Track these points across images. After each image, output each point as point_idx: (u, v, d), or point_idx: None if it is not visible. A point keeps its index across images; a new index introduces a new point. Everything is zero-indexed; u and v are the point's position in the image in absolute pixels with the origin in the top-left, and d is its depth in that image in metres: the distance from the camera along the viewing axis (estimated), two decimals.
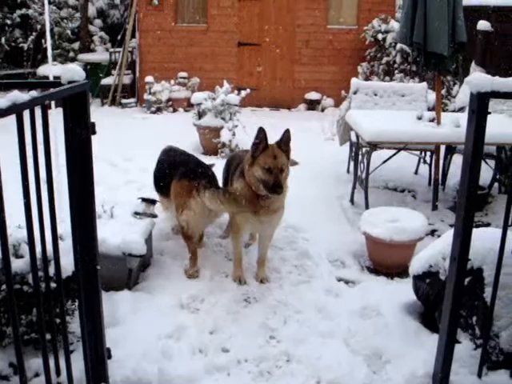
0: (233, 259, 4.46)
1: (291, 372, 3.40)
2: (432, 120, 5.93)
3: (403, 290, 4.19)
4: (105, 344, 3.07)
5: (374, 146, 5.90)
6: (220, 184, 4.68)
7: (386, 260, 4.78)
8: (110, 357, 3.25)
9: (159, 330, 3.72)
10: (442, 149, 6.53)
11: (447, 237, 3.88)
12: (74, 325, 3.37)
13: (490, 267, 3.33)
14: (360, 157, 6.37)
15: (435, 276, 3.71)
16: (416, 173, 7.45)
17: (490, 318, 3.13)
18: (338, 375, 3.35)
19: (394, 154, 6.47)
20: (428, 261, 3.77)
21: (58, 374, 2.93)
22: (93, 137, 2.69)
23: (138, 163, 7.60)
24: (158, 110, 11.57)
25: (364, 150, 6.27)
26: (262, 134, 3.96)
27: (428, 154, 6.92)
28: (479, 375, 3.22)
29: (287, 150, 4.04)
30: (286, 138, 4.04)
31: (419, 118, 6.03)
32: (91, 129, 2.72)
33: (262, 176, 3.96)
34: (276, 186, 3.91)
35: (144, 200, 4.83)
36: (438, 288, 3.60)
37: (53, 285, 2.78)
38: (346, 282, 4.60)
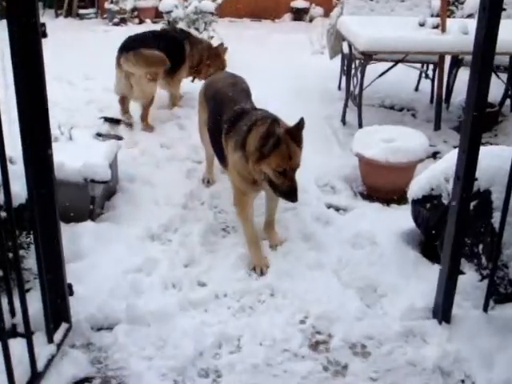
0: (246, 242, 3.91)
1: (276, 306, 3.41)
2: (436, 27, 5.76)
3: (401, 218, 4.19)
4: (65, 280, 3.04)
5: (369, 56, 5.76)
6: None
7: (381, 184, 4.75)
8: (71, 293, 3.23)
9: (127, 264, 3.69)
10: (447, 61, 6.40)
11: (451, 156, 3.84)
12: (30, 260, 3.30)
13: (498, 189, 3.30)
14: (353, 70, 6.24)
15: (437, 200, 3.68)
16: (416, 89, 7.36)
17: (498, 246, 3.11)
18: (327, 309, 3.36)
19: (392, 67, 6.33)
20: (429, 182, 3.73)
21: (13, 314, 2.89)
22: (47, 54, 2.54)
23: (99, 82, 7.38)
24: (122, 21, 11.21)
25: (357, 62, 6.14)
26: (272, 127, 3.50)
27: (431, 67, 6.80)
28: (485, 309, 3.25)
29: (300, 140, 3.65)
30: (301, 127, 3.64)
31: (421, 25, 5.86)
32: (40, 30, 2.56)
33: (273, 178, 3.56)
34: (292, 193, 3.56)
35: (107, 120, 4.74)
36: (440, 213, 3.58)
37: (3, 214, 2.71)
38: (337, 209, 4.59)
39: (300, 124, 3.62)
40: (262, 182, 3.69)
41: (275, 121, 3.59)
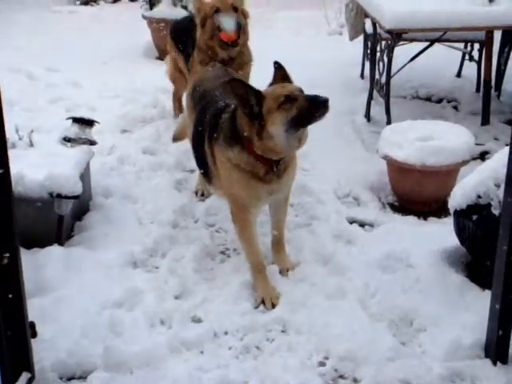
0: (250, 267, 3.91)
1: (288, 345, 3.41)
2: None
3: (441, 233, 4.21)
4: (27, 319, 3.05)
5: (398, 36, 5.78)
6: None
7: (416, 193, 4.77)
8: (34, 335, 3.23)
9: (104, 297, 3.71)
10: (497, 39, 6.44)
11: (502, 156, 3.86)
12: None
13: None
14: (378, 54, 6.28)
15: (485, 210, 3.71)
16: (459, 75, 7.40)
17: None
18: (352, 348, 3.36)
19: (427, 48, 6.36)
20: (475, 189, 3.75)
21: None
22: None
23: (66, 75, 7.48)
24: None
25: (384, 43, 6.18)
26: (236, 85, 3.61)
27: (476, 47, 6.83)
28: None
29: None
30: (282, 75, 3.81)
31: None
32: None
33: (288, 115, 3.50)
34: (317, 98, 3.51)
35: (76, 120, 4.75)
36: (490, 226, 3.59)
37: None
38: (362, 225, 4.61)
39: (279, 72, 3.84)
40: (291, 145, 3.63)
41: (234, 80, 3.71)
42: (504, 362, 3.21)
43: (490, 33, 6.05)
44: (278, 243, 4.13)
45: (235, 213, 3.93)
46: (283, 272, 4.02)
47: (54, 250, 4.10)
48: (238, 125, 3.68)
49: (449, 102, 6.78)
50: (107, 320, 3.53)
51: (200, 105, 4.27)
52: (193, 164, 5.04)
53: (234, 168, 3.74)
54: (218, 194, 4.29)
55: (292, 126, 3.51)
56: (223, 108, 3.94)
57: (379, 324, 3.56)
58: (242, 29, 5.18)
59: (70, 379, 3.23)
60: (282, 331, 3.54)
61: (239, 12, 5.18)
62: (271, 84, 3.79)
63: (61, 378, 3.21)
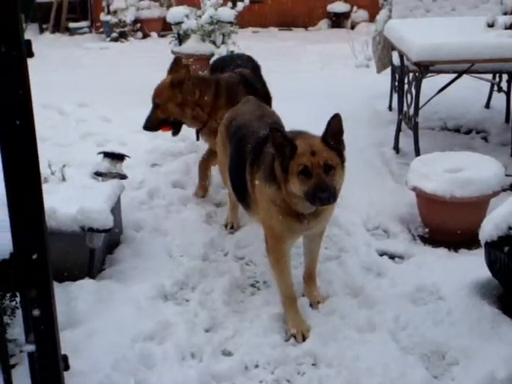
0: (280, 299, 3.94)
1: (319, 379, 3.40)
2: (509, 27, 5.81)
3: (472, 265, 4.18)
4: (59, 352, 3.06)
5: (426, 68, 5.79)
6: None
7: (446, 225, 4.76)
8: (67, 368, 3.24)
9: (135, 331, 3.73)
10: None
11: None
12: (16, 330, 3.38)
13: None
14: (406, 86, 6.30)
15: None
16: (487, 106, 7.39)
17: None
18: (383, 381, 3.35)
19: (455, 80, 6.36)
20: (506, 220, 3.74)
21: None
22: (32, 77, 2.62)
23: (96, 110, 7.59)
24: (122, 35, 11.52)
25: (411, 75, 6.19)
26: (274, 136, 3.58)
27: (504, 77, 6.83)
28: None
29: (338, 144, 3.63)
30: (335, 127, 3.59)
31: (490, 26, 5.91)
32: (25, 47, 2.65)
33: (301, 187, 3.52)
34: (319, 189, 3.48)
35: (107, 155, 4.82)
36: None
37: None
38: (392, 257, 4.60)
39: (333, 123, 3.58)
40: (304, 206, 3.65)
41: (274, 129, 3.63)
42: None
43: None
44: (309, 276, 4.14)
45: (270, 243, 3.95)
46: (314, 305, 4.04)
47: (86, 283, 4.14)
48: (276, 166, 3.69)
49: (478, 133, 6.76)
50: (138, 353, 3.55)
51: (237, 135, 4.31)
52: (221, 196, 5.09)
53: (271, 202, 3.77)
54: (254, 221, 4.32)
55: (297, 194, 3.56)
56: (265, 139, 3.95)
57: (411, 357, 3.54)
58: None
59: None
60: (313, 364, 3.54)
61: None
62: (325, 132, 3.63)
63: None
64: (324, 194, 3.48)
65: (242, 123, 4.39)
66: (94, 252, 4.27)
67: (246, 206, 4.22)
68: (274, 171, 3.71)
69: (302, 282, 4.15)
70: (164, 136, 6.75)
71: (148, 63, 9.74)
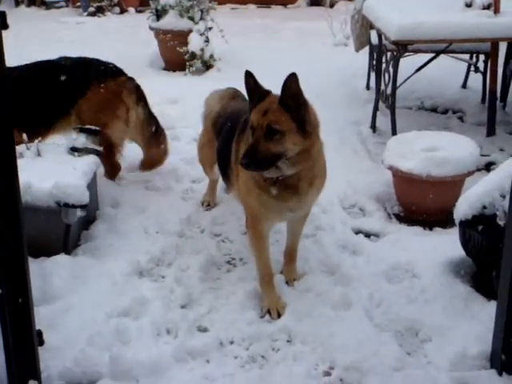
0: (257, 276, 3.92)
1: (294, 355, 3.41)
2: (487, 7, 5.82)
3: (446, 244, 4.21)
4: (34, 327, 3.05)
5: (404, 47, 5.81)
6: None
7: (421, 204, 4.78)
8: (41, 343, 3.25)
9: (111, 306, 3.72)
10: (502, 50, 6.44)
11: (507, 167, 3.88)
12: None
13: None
14: (384, 65, 6.30)
15: (491, 221, 3.70)
16: (464, 86, 7.42)
17: None
18: (357, 358, 3.36)
19: (432, 59, 6.39)
20: (480, 200, 3.76)
21: None
22: (6, 51, 2.58)
23: None
24: (99, 10, 11.40)
25: (389, 54, 6.19)
26: (250, 78, 3.58)
27: (481, 58, 6.84)
28: None
29: (297, 107, 3.41)
30: (291, 87, 3.40)
31: (468, 5, 5.92)
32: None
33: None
34: (244, 152, 3.41)
35: (83, 130, 4.77)
36: (495, 237, 3.59)
37: None
38: (367, 235, 4.63)
39: (288, 83, 3.39)
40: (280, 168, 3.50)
41: (250, 72, 3.60)
42: (510, 372, 3.20)
43: (495, 44, 6.06)
44: (290, 255, 4.12)
45: (249, 221, 3.93)
46: (290, 282, 4.04)
47: (61, 258, 4.11)
48: None
49: (454, 112, 6.80)
50: (113, 329, 3.54)
51: (227, 122, 4.25)
52: (199, 173, 5.07)
53: (252, 181, 3.69)
54: (233, 196, 4.29)
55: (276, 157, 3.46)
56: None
57: (385, 334, 3.56)
58: None
59: None
60: (288, 341, 3.54)
61: None
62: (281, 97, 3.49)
63: None
64: (243, 159, 3.38)
65: (232, 110, 4.35)
66: (69, 228, 4.23)
67: (227, 179, 4.19)
68: None
69: (283, 260, 4.14)
70: None
71: (125, 39, 9.66)
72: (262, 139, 3.37)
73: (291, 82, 3.39)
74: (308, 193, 3.71)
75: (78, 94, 4.98)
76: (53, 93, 4.97)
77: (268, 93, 3.57)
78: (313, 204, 4.02)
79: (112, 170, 5.16)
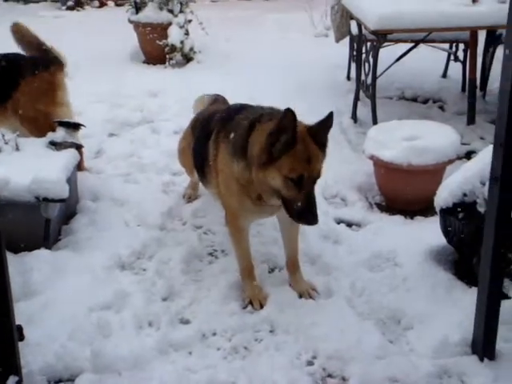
0: (238, 268, 3.91)
1: (276, 345, 3.42)
2: None
3: (428, 232, 4.23)
4: (13, 322, 3.03)
5: (383, 37, 5.81)
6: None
7: (402, 193, 4.78)
8: (21, 339, 3.21)
9: (92, 300, 3.71)
10: (481, 39, 6.48)
11: (487, 154, 3.88)
12: None
13: None
14: (364, 55, 6.30)
15: (471, 208, 3.71)
16: (444, 75, 7.45)
17: None
18: (340, 347, 3.37)
19: (412, 49, 6.41)
20: (461, 187, 3.76)
21: None
22: None
23: None
24: (78, 4, 11.35)
25: (369, 44, 6.20)
26: (287, 119, 3.26)
27: (461, 47, 6.86)
28: None
29: (325, 143, 3.45)
30: (329, 123, 3.45)
31: None
32: None
33: (284, 190, 3.33)
34: (310, 212, 3.34)
35: (62, 124, 4.74)
36: (476, 224, 3.60)
37: None
38: (349, 225, 4.64)
39: (327, 121, 3.43)
40: (269, 198, 3.52)
41: (291, 112, 3.25)
42: (491, 358, 3.23)
43: (474, 33, 6.08)
44: (292, 264, 3.96)
45: (228, 216, 3.91)
46: (304, 296, 3.82)
47: (41, 253, 4.08)
48: (252, 142, 3.49)
49: (435, 102, 6.82)
50: (95, 323, 3.53)
51: (204, 122, 4.22)
52: (179, 167, 5.05)
53: (233, 179, 3.64)
54: (212, 194, 4.24)
55: (280, 197, 3.40)
56: (238, 109, 3.87)
57: (367, 323, 3.57)
58: None
59: (57, 382, 3.22)
60: (270, 331, 3.55)
61: None
62: (319, 124, 3.45)
63: (48, 382, 3.20)
64: (310, 216, 3.35)
65: (208, 114, 4.33)
66: (49, 222, 4.21)
67: (203, 176, 4.14)
68: (246, 147, 3.51)
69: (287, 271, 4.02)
70: (122, 106, 6.72)
71: (105, 32, 9.58)
72: (313, 193, 3.38)
73: (332, 118, 3.44)
74: None
75: (10, 87, 4.94)
76: None
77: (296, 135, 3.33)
78: None
79: None
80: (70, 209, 4.59)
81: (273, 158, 3.31)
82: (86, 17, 10.81)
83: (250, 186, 3.56)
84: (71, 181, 4.44)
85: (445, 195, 3.87)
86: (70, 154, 4.55)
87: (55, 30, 9.82)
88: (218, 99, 4.75)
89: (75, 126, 4.78)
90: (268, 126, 3.43)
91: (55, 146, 4.58)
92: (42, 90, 4.98)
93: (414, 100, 6.90)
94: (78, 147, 4.73)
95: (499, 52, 6.62)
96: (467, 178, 3.77)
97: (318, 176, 3.41)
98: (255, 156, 3.42)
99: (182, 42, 8.24)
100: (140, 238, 4.37)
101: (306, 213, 3.34)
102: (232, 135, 3.65)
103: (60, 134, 4.66)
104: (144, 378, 3.20)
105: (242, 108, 3.88)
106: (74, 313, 3.59)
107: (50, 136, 4.64)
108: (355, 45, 6.76)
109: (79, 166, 4.95)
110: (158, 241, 4.37)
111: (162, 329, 3.55)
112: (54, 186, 4.13)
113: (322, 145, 3.43)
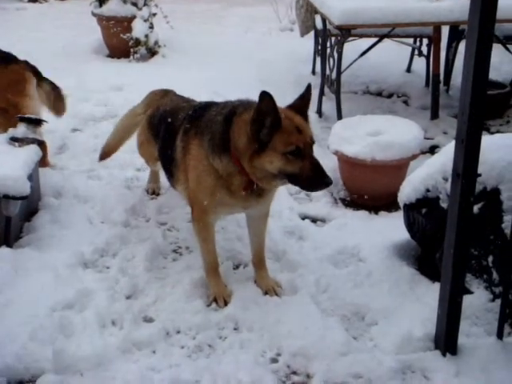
0: (203, 265, 3.90)
1: (241, 343, 3.41)
2: None
3: (392, 227, 4.26)
4: None
5: (347, 31, 5.83)
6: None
7: (366, 188, 4.82)
8: None
9: (54, 299, 3.66)
10: (445, 34, 6.52)
11: (450, 150, 3.90)
12: None
13: (509, 187, 3.38)
14: (329, 50, 6.31)
15: (434, 204, 3.74)
16: (408, 70, 7.49)
17: (511, 257, 3.16)
18: (304, 344, 3.37)
19: (376, 44, 6.42)
20: (424, 183, 3.79)
21: None
22: None
23: None
24: None
25: (334, 39, 6.20)
26: (265, 102, 3.25)
27: (425, 42, 6.90)
28: (499, 335, 3.29)
29: (307, 115, 3.53)
30: (308, 95, 3.52)
31: None
32: None
33: (287, 167, 3.31)
34: (322, 174, 3.33)
35: (24, 120, 4.68)
36: (439, 220, 3.63)
37: None
38: (314, 221, 4.65)
39: (306, 93, 3.51)
40: (270, 184, 3.52)
41: (267, 94, 3.24)
42: (453, 353, 3.25)
43: (437, 28, 6.12)
44: (259, 261, 3.95)
45: (195, 213, 3.84)
46: (270, 293, 3.81)
47: (2, 251, 4.03)
48: (233, 133, 3.47)
49: (399, 96, 6.87)
50: (57, 322, 3.48)
51: (166, 118, 4.16)
52: (142, 162, 5.01)
53: (208, 173, 3.59)
54: (179, 191, 4.15)
55: (284, 177, 3.39)
56: (207, 106, 3.85)
57: (331, 319, 3.58)
58: None
59: (18, 383, 3.17)
60: (235, 329, 3.54)
61: None
62: (299, 100, 3.53)
63: (9, 383, 3.14)
64: (323, 178, 3.34)
65: (168, 109, 4.27)
66: (10, 220, 4.15)
67: (170, 175, 4.08)
68: (227, 141, 3.48)
69: (253, 268, 3.99)
70: (85, 101, 6.65)
71: (68, 25, 9.50)
72: (315, 157, 3.41)
73: (310, 92, 3.52)
74: (268, 194, 3.72)
75: None
76: None
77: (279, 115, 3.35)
78: (270, 205, 3.91)
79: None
80: (31, 206, 4.54)
81: (264, 143, 3.31)
82: (49, 9, 10.70)
83: (232, 179, 3.54)
84: (33, 177, 4.39)
85: (408, 191, 3.89)
86: (32, 150, 4.48)
87: (17, 22, 9.75)
88: (167, 93, 4.70)
89: (37, 122, 4.72)
90: (246, 115, 3.43)
91: (17, 141, 4.52)
92: (12, 81, 4.98)
93: (379, 94, 6.95)
94: (40, 143, 4.67)
95: (462, 47, 6.66)
96: (430, 174, 3.79)
97: (313, 141, 3.43)
98: (244, 148, 3.41)
99: (146, 36, 8.18)
100: (103, 235, 4.33)
101: (318, 178, 3.35)
102: (206, 132, 3.62)
103: (21, 130, 4.60)
104: (107, 378, 3.16)
105: (209, 105, 3.86)
106: (35, 312, 3.53)
107: (11, 132, 4.58)
108: (320, 39, 6.76)
109: (43, 162, 4.90)
110: (121, 238, 4.33)
111: (126, 327, 3.51)
112: (14, 182, 4.08)
113: (305, 116, 3.50)
